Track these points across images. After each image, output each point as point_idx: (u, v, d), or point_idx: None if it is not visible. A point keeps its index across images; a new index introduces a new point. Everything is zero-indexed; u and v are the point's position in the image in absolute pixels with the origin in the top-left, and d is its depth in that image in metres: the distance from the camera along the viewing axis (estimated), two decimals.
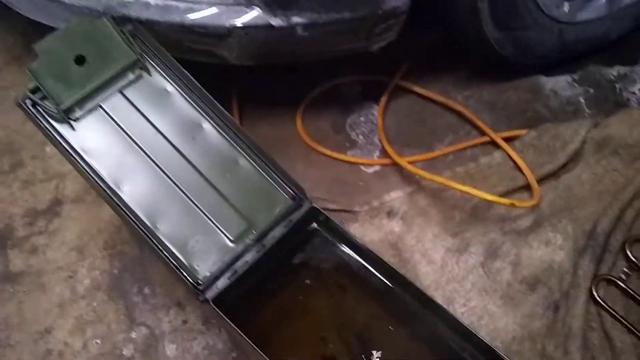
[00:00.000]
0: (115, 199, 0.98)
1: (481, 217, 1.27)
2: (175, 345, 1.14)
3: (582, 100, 1.46)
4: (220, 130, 1.06)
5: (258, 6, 1.08)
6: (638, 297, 1.13)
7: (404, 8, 1.12)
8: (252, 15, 1.09)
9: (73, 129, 1.01)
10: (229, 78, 1.46)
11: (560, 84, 1.50)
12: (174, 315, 1.18)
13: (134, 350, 1.14)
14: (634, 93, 1.47)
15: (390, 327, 1.02)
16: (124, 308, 1.19)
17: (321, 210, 1.05)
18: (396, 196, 1.31)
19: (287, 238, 1.04)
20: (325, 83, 1.50)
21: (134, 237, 1.27)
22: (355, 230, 1.25)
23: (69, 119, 1.01)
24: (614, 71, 1.51)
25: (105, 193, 0.99)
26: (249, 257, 1.01)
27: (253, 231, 1.02)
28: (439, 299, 1.15)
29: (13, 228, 1.33)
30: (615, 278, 1.16)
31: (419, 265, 1.21)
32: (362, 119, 1.47)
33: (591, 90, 1.48)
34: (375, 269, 1.06)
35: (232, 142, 1.06)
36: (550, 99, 1.47)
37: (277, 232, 1.03)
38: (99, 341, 1.16)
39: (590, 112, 1.44)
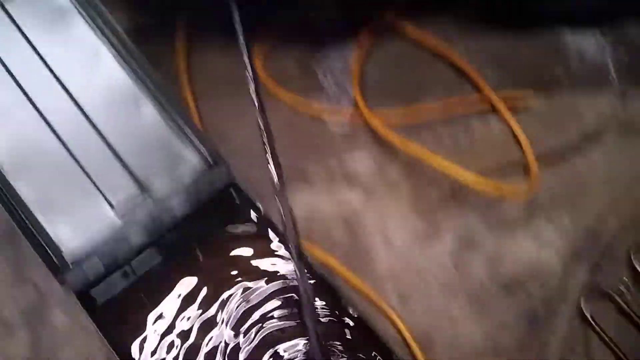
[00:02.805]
0: None
1: (462, 198, 1.04)
2: (67, 316, 0.94)
3: (612, 68, 1.19)
4: (122, 62, 0.81)
5: None
6: (635, 316, 0.92)
7: None
8: None
9: None
10: None
11: (588, 45, 1.21)
12: None
13: (16, 311, 0.94)
14: None
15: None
16: (13, 255, 0.99)
17: (241, 187, 0.80)
18: (362, 160, 1.08)
19: (192, 216, 0.80)
20: (294, 8, 1.21)
21: None
22: (305, 197, 1.03)
23: None
24: None
25: None
26: (135, 237, 0.77)
27: (148, 198, 0.77)
28: (392, 292, 0.95)
29: None
30: (612, 291, 0.95)
31: (374, 248, 0.99)
32: (336, 60, 1.20)
33: (626, 59, 1.19)
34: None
35: (135, 78, 0.81)
36: (572, 62, 1.19)
37: (178, 204, 0.78)
38: None
39: (620, 85, 1.17)
